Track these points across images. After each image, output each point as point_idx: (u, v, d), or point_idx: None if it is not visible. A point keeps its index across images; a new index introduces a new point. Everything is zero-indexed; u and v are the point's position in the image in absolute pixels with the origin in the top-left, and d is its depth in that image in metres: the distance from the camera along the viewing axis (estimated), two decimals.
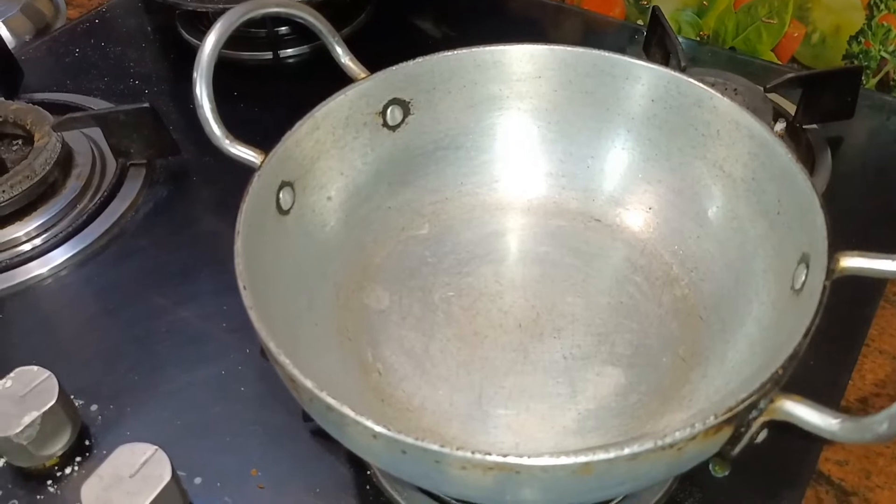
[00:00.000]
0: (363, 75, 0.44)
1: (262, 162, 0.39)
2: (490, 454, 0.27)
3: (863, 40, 0.64)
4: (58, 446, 0.41)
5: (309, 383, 0.30)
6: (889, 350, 0.47)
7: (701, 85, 0.42)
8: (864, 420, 0.28)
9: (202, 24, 0.71)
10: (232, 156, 0.39)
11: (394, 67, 0.44)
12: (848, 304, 0.46)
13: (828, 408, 0.29)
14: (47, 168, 0.54)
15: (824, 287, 0.32)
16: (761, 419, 0.30)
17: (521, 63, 0.46)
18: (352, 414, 0.29)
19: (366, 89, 0.43)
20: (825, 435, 0.29)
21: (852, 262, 0.34)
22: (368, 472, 0.40)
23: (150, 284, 0.51)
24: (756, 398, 0.29)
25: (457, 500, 0.37)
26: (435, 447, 0.28)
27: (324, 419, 0.31)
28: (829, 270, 0.33)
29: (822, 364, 0.42)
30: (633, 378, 0.39)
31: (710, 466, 0.39)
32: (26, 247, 0.53)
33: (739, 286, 0.40)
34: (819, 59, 0.66)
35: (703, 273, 0.43)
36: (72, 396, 0.43)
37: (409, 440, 0.28)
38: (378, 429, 0.28)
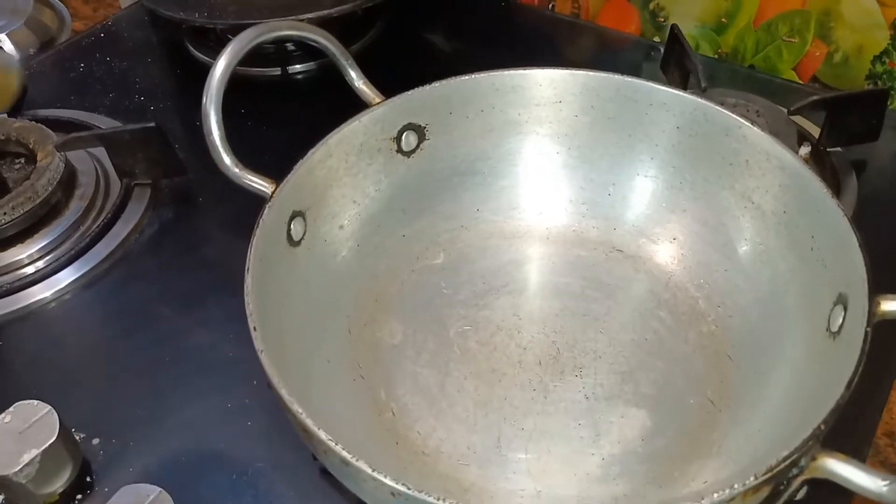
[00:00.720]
0: (378, 100, 0.42)
1: (273, 192, 0.37)
2: None
3: (887, 60, 0.62)
4: (58, 484, 0.39)
5: (323, 435, 0.28)
6: None
7: (729, 113, 0.41)
8: None
9: (209, 39, 0.69)
10: (242, 185, 0.38)
11: (410, 92, 0.43)
12: (880, 336, 0.44)
13: (873, 468, 0.27)
14: (50, 189, 0.52)
15: (866, 334, 0.31)
16: (802, 477, 0.28)
17: (540, 87, 0.44)
18: (368, 470, 0.27)
19: (380, 115, 0.42)
20: (872, 496, 0.27)
21: (893, 306, 0.32)
22: None
23: (154, 310, 0.49)
24: (797, 456, 0.27)
25: None
26: None
27: (339, 472, 0.30)
28: (871, 315, 0.31)
29: (851, 400, 0.41)
30: (659, 420, 0.38)
31: None
32: (29, 269, 0.51)
33: (770, 324, 0.39)
34: (841, 78, 0.65)
35: (730, 309, 0.41)
36: (73, 429, 0.41)
37: (431, 500, 0.26)
38: (398, 487, 0.27)
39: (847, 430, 0.41)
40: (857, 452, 0.42)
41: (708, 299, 0.42)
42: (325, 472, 0.40)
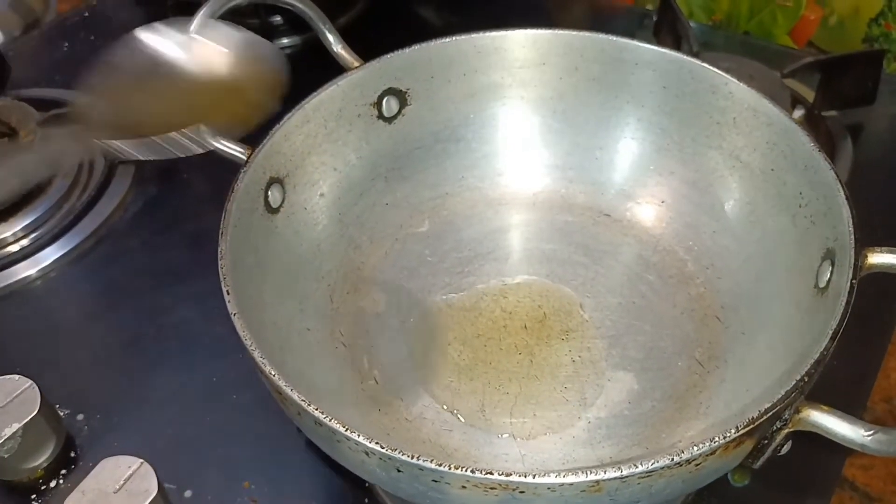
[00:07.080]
0: (356, 64, 0.41)
1: (249, 157, 0.36)
2: (492, 473, 0.25)
3: (883, 22, 0.61)
4: (41, 458, 0.39)
5: (296, 396, 0.28)
6: None
7: (716, 70, 0.40)
8: None
9: None
10: (217, 151, 0.37)
11: (388, 55, 0.42)
12: (873, 299, 0.43)
13: (858, 418, 0.27)
14: None
15: (852, 286, 0.30)
16: (786, 430, 0.28)
17: (523, 49, 0.43)
18: (342, 429, 0.26)
19: (359, 79, 0.41)
20: (856, 447, 0.27)
21: (881, 258, 0.31)
22: (367, 485, 0.38)
23: (139, 286, 0.49)
24: (780, 408, 0.27)
25: None
26: (431, 465, 0.26)
27: (314, 434, 0.29)
28: (857, 268, 0.30)
29: (846, 363, 0.40)
30: (647, 384, 0.37)
31: (729, 475, 0.37)
32: (13, 247, 0.51)
33: (759, 285, 0.38)
34: (837, 42, 0.63)
35: (719, 270, 0.40)
36: (57, 406, 0.41)
37: (404, 458, 0.26)
38: (371, 445, 0.26)
39: (841, 391, 0.40)
40: (851, 413, 0.42)
41: (696, 261, 0.41)
42: (310, 445, 0.39)
